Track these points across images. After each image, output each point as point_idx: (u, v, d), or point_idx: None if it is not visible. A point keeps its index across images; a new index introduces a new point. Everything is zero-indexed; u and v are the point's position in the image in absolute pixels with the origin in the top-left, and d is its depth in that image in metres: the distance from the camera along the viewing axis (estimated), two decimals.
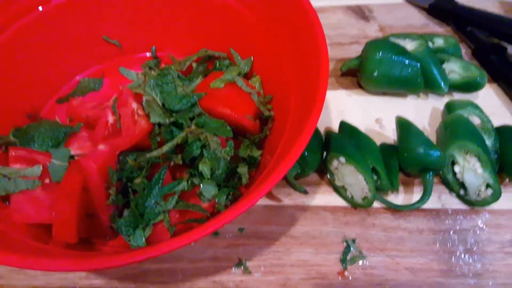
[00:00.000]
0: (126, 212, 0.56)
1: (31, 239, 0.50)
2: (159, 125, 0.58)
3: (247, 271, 0.57)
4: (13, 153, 0.55)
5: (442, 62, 0.72)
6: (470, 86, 0.71)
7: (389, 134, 0.69)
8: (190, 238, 0.39)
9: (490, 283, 0.56)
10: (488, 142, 0.63)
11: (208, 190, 0.55)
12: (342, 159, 0.60)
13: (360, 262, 0.58)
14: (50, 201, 0.53)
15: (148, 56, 0.75)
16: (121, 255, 0.40)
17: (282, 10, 0.58)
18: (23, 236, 0.50)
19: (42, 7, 0.64)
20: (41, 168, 0.54)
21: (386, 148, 0.65)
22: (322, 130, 0.69)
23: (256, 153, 0.60)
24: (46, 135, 0.59)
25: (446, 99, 0.72)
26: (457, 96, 0.73)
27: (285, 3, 0.57)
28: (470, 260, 0.58)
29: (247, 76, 0.67)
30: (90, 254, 0.51)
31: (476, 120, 0.66)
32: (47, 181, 0.55)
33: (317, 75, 0.49)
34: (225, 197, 0.56)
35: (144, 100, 0.59)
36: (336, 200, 0.63)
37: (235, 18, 0.65)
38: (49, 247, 0.50)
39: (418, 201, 0.60)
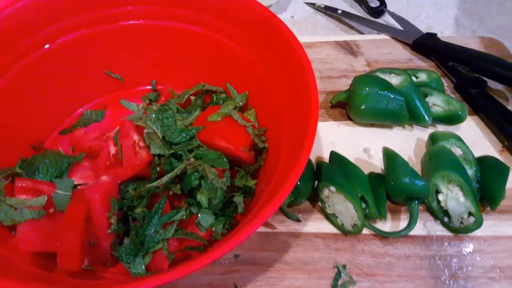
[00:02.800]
0: (126, 240, 0.58)
1: (36, 267, 0.53)
2: (159, 156, 0.62)
3: None
4: (19, 184, 0.57)
5: (426, 96, 0.76)
6: (452, 119, 0.75)
7: (376, 163, 0.73)
8: (190, 268, 0.42)
9: None
10: (470, 172, 0.67)
11: (206, 219, 0.58)
12: (333, 188, 0.64)
13: None
14: (55, 230, 0.55)
15: (148, 89, 0.79)
16: (123, 286, 0.42)
17: (274, 49, 0.62)
18: (28, 265, 0.53)
19: (49, 45, 0.68)
20: (46, 198, 0.57)
21: (374, 178, 0.68)
22: (313, 159, 0.73)
23: (251, 182, 0.63)
24: (50, 165, 0.62)
25: (430, 130, 0.76)
26: (440, 128, 0.77)
27: (276, 43, 0.61)
28: (455, 285, 0.60)
29: (242, 109, 0.70)
30: (92, 283, 0.53)
31: (458, 151, 0.70)
32: (51, 210, 0.57)
33: (308, 111, 0.52)
34: (221, 226, 0.59)
35: (145, 132, 0.63)
36: (327, 227, 0.66)
37: (231, 55, 0.69)
38: (53, 276, 0.52)
39: (405, 228, 0.64)
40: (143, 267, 0.55)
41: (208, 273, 0.61)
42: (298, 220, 0.65)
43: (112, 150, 0.65)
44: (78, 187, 0.62)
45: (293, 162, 0.49)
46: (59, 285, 0.47)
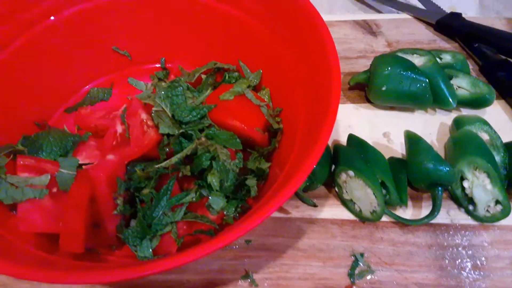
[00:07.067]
0: (133, 222, 0.56)
1: (37, 249, 0.50)
2: (168, 135, 0.59)
3: (254, 283, 0.56)
4: (21, 162, 0.55)
5: (450, 78, 0.72)
6: (479, 102, 0.71)
7: (397, 148, 0.69)
8: (200, 253, 0.39)
9: None
10: (497, 158, 0.63)
11: (217, 202, 0.55)
12: (351, 172, 0.60)
13: (369, 277, 0.57)
14: (57, 211, 0.53)
15: (157, 67, 0.76)
16: (127, 269, 0.39)
17: (292, 23, 0.59)
18: (29, 246, 0.50)
19: (54, 17, 0.64)
20: (49, 177, 0.54)
21: (394, 162, 0.65)
22: (330, 142, 0.69)
23: (265, 165, 0.60)
24: (54, 144, 0.60)
25: (454, 115, 0.72)
26: (465, 112, 0.73)
27: (294, 16, 0.58)
28: (479, 276, 0.57)
29: (256, 89, 0.67)
30: (96, 266, 0.50)
31: (484, 136, 0.66)
32: (54, 190, 0.55)
33: (328, 92, 0.49)
34: (233, 209, 0.56)
35: (153, 110, 0.60)
36: (344, 214, 0.63)
37: (244, 30, 0.66)
38: (55, 258, 0.49)
39: (427, 216, 0.60)
40: (150, 250, 0.52)
41: (218, 258, 0.58)
42: (315, 205, 0.62)
43: (119, 129, 0.62)
44: (83, 166, 0.59)
45: (310, 146, 0.46)
46: (61, 267, 0.45)
